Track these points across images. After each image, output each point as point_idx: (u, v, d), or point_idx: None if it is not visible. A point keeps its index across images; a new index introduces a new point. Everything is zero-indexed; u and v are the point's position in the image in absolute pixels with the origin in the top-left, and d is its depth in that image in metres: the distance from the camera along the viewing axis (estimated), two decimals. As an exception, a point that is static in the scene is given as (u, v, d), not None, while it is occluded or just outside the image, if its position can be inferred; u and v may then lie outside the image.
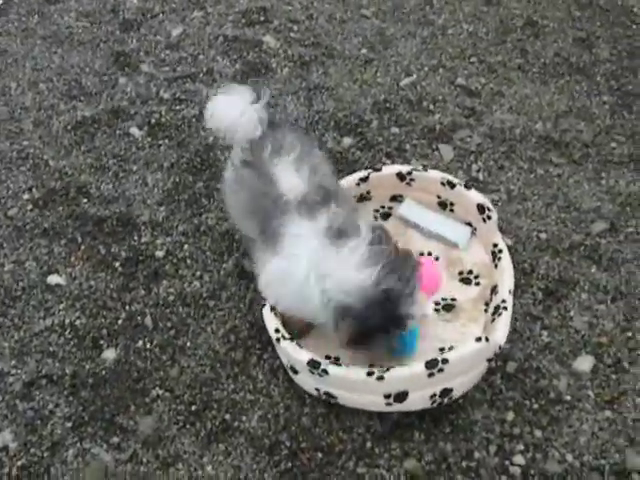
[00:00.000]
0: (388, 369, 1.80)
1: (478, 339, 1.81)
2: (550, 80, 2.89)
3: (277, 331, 1.93)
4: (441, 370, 1.78)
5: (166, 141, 2.75)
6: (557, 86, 2.87)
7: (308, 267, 1.78)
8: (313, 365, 1.83)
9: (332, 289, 1.76)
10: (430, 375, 1.78)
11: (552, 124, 2.72)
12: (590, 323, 2.14)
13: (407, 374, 1.80)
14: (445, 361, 1.77)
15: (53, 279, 2.33)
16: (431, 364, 1.77)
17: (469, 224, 2.28)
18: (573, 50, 3.01)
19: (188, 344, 2.15)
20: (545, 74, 2.92)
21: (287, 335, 1.92)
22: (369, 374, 1.79)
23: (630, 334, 2.11)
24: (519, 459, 1.87)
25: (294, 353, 1.88)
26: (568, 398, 1.99)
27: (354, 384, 1.84)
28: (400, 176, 2.32)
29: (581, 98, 2.81)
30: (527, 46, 3.04)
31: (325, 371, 1.82)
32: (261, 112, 2.03)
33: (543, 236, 2.37)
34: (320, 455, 1.90)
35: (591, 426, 1.93)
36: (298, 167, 1.90)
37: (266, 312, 1.99)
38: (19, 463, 1.91)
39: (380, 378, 1.78)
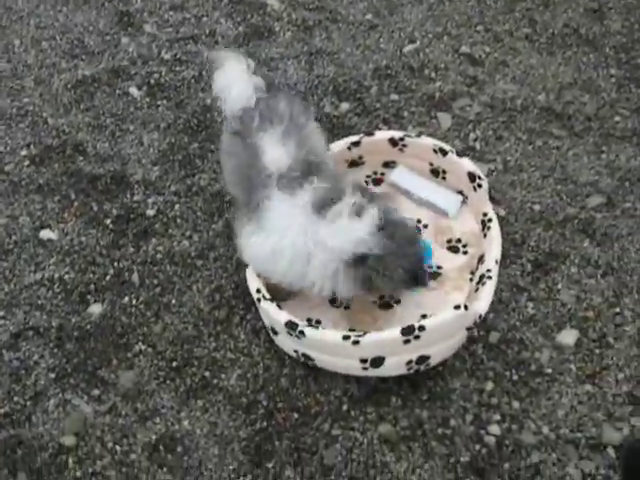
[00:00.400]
0: (364, 334, 1.80)
1: (457, 307, 1.80)
2: (557, 51, 2.83)
3: (258, 291, 1.94)
4: (417, 337, 1.77)
5: (164, 101, 2.75)
6: (564, 57, 2.80)
7: (295, 241, 1.79)
8: (291, 326, 1.83)
9: (327, 253, 1.78)
10: (406, 342, 1.78)
11: (555, 96, 2.66)
12: (577, 297, 2.12)
13: (383, 339, 1.80)
14: (422, 328, 1.77)
15: (45, 234, 2.36)
16: (407, 330, 1.76)
17: (460, 192, 2.25)
18: (583, 21, 2.93)
19: (173, 302, 2.16)
20: (552, 45, 2.85)
21: (268, 296, 1.93)
22: (345, 338, 1.79)
23: (618, 310, 2.09)
24: (495, 429, 1.87)
25: (273, 314, 1.88)
26: (549, 371, 1.97)
27: (330, 347, 1.84)
28: (392, 142, 2.30)
29: (587, 70, 2.75)
30: (536, 16, 2.97)
31: (302, 333, 1.82)
32: (255, 81, 2.03)
33: (537, 208, 2.33)
34: (296, 416, 1.91)
35: (570, 399, 1.92)
36: (285, 140, 1.89)
37: (249, 273, 2.00)
38: (2, 411, 1.96)
39: (356, 342, 1.78)
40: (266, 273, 1.96)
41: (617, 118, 2.58)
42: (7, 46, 3.02)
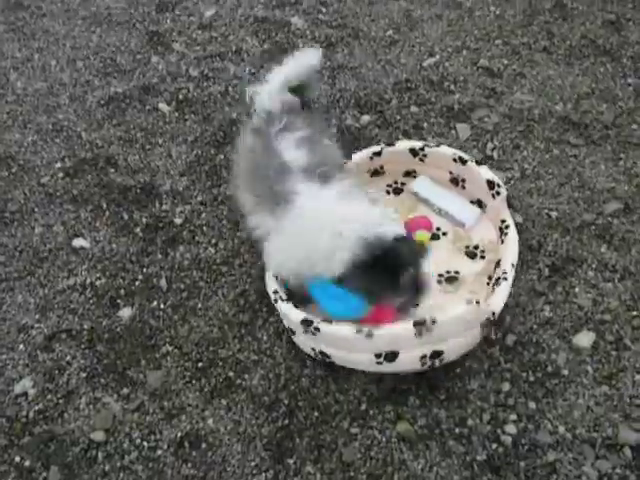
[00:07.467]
0: (377, 327, 1.84)
1: (468, 302, 1.84)
2: (575, 62, 2.88)
3: (275, 292, 2.01)
4: (429, 330, 1.81)
5: (192, 116, 2.86)
6: (581, 68, 2.85)
7: (323, 222, 1.84)
8: (306, 323, 1.89)
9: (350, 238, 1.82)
10: (418, 334, 1.82)
11: (573, 105, 2.71)
12: (594, 300, 2.14)
13: (395, 332, 1.83)
14: (434, 321, 1.80)
15: (78, 242, 2.46)
16: (420, 323, 1.80)
17: (479, 200, 2.30)
18: (601, 32, 2.98)
19: (199, 306, 2.24)
20: (570, 56, 2.90)
21: (284, 296, 2.00)
22: (358, 331, 1.84)
23: (635, 313, 2.10)
24: (511, 428, 1.90)
25: (289, 313, 1.94)
26: (566, 372, 2.00)
27: (344, 341, 1.88)
28: (413, 152, 2.36)
29: (605, 80, 2.79)
30: (554, 28, 3.03)
31: (317, 329, 1.87)
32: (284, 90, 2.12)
33: (554, 214, 2.37)
34: (316, 414, 1.96)
35: (587, 400, 1.94)
36: (299, 145, 1.98)
37: (268, 275, 2.07)
38: (36, 407, 2.04)
39: (369, 335, 1.82)
40: (283, 262, 1.99)
41: (634, 126, 2.62)
42: (44, 66, 3.17)
